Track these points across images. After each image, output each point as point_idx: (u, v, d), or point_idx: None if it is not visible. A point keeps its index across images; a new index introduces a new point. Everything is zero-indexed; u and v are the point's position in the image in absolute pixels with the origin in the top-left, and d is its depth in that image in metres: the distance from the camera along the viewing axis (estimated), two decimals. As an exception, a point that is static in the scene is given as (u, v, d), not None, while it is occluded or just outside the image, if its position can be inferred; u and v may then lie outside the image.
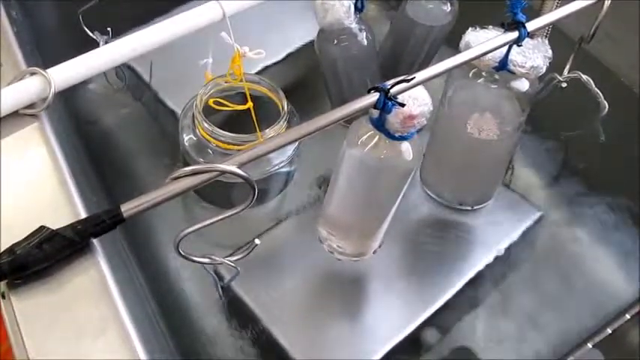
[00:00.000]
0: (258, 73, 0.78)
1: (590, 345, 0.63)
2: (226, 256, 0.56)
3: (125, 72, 0.79)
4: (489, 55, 0.59)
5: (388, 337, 0.63)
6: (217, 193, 0.69)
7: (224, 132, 0.64)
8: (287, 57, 0.84)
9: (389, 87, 0.50)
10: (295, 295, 0.65)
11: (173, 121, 0.71)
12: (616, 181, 0.78)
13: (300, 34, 0.85)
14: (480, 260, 0.69)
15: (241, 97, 0.67)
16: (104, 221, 0.45)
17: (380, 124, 0.54)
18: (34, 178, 0.51)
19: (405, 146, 0.56)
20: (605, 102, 0.66)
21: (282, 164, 0.68)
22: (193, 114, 0.66)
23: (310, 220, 0.68)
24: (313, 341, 0.62)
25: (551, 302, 0.68)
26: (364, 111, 0.52)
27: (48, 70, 0.56)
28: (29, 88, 0.55)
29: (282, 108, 0.68)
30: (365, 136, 0.56)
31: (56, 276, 0.45)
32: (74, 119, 0.74)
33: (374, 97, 0.50)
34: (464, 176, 0.70)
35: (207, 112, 0.66)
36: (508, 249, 0.70)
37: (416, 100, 0.53)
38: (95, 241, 0.47)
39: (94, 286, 0.45)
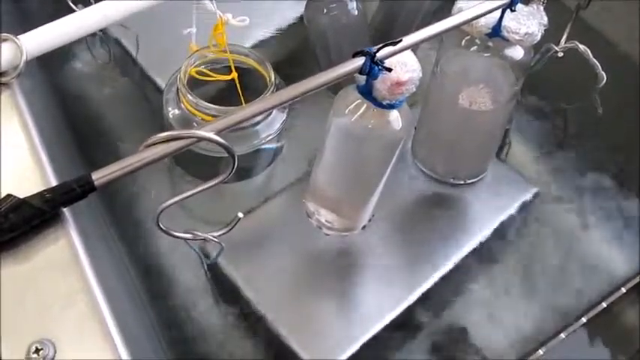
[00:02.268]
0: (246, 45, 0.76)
1: (584, 319, 0.61)
2: (210, 232, 0.54)
3: (110, 45, 0.77)
4: (482, 21, 0.57)
5: (378, 315, 0.61)
6: (205, 168, 0.67)
7: (208, 104, 0.62)
8: (276, 30, 0.82)
9: (375, 51, 0.48)
10: (282, 272, 0.63)
11: (159, 95, 0.69)
12: (614, 155, 0.76)
13: (290, 5, 0.83)
14: (473, 236, 0.67)
15: (227, 71, 0.65)
16: (74, 190, 0.43)
17: (367, 92, 0.52)
18: (3, 146, 0.49)
19: (394, 115, 0.54)
20: (603, 73, 0.64)
21: (270, 138, 0.67)
22: (177, 87, 0.65)
23: (298, 195, 0.66)
24: (301, 318, 0.61)
25: (547, 279, 0.66)
26: (350, 78, 0.50)
27: (19, 37, 0.54)
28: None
29: (270, 80, 0.66)
30: (352, 105, 0.54)
31: (24, 247, 0.43)
32: (57, 92, 0.72)
33: (359, 61, 0.48)
34: (456, 149, 0.68)
35: (192, 85, 0.64)
36: (503, 225, 0.69)
37: (404, 65, 0.51)
38: (66, 211, 0.45)
39: (63, 257, 0.43)
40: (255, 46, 0.79)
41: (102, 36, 0.78)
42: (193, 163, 0.68)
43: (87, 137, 0.71)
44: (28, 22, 0.58)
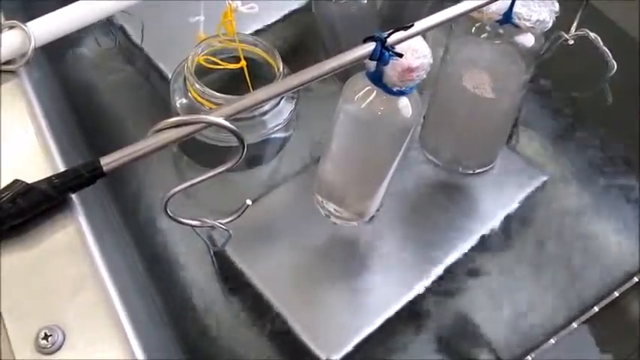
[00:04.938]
0: (253, 34, 0.76)
1: (596, 309, 0.61)
2: (218, 220, 0.54)
3: (116, 33, 0.76)
4: (493, 7, 0.57)
5: (386, 304, 0.61)
6: (214, 158, 0.66)
7: (216, 93, 0.62)
8: (284, 18, 0.81)
9: (386, 36, 0.48)
10: (290, 260, 0.63)
11: (165, 84, 0.69)
12: (625, 144, 0.75)
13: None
14: (482, 225, 0.67)
15: (235, 60, 0.65)
16: (82, 175, 0.43)
17: (377, 78, 0.52)
18: (11, 133, 0.49)
19: (404, 102, 0.53)
20: (614, 61, 0.64)
21: (278, 128, 0.66)
22: (185, 76, 0.64)
23: (306, 183, 0.66)
24: (308, 306, 0.60)
25: (557, 268, 0.66)
26: (360, 64, 0.50)
27: (28, 24, 0.53)
28: (7, 42, 0.53)
29: (278, 69, 0.65)
30: (362, 92, 0.54)
31: (32, 232, 0.43)
32: (62, 82, 0.71)
33: (370, 46, 0.48)
34: (465, 138, 0.68)
35: (200, 75, 0.64)
36: (512, 214, 0.68)
37: (415, 51, 0.50)
38: (75, 196, 0.45)
39: (72, 243, 0.43)
40: (261, 34, 0.78)
41: (107, 24, 0.77)
42: (202, 154, 0.68)
43: (94, 125, 0.71)
44: (35, 9, 0.57)
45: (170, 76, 0.68)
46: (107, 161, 0.43)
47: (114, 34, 0.77)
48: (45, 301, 0.41)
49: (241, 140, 0.45)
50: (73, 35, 0.59)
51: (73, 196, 0.45)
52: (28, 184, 0.43)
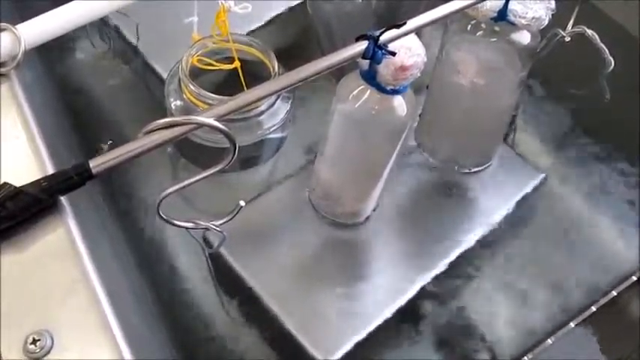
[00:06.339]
0: (248, 34, 0.75)
1: (594, 308, 0.60)
2: (215, 221, 0.53)
3: (110, 34, 0.76)
4: (488, 5, 0.57)
5: (384, 304, 0.60)
6: (212, 160, 0.66)
7: (211, 94, 0.62)
8: (278, 18, 0.80)
9: (378, 34, 0.47)
10: (286, 261, 0.62)
11: (160, 85, 0.68)
12: (623, 142, 0.75)
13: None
14: (480, 224, 0.66)
15: (230, 61, 0.64)
16: (71, 177, 0.43)
17: (371, 77, 0.51)
18: (1, 137, 0.49)
19: (398, 101, 0.53)
20: (611, 58, 0.63)
21: (274, 128, 0.66)
22: (179, 78, 0.64)
23: (302, 184, 0.66)
24: (305, 307, 0.60)
25: (554, 267, 0.65)
26: (353, 62, 0.49)
27: (18, 26, 0.53)
28: (-3, 45, 0.52)
29: (273, 69, 0.65)
30: (356, 91, 0.53)
31: (22, 235, 0.43)
32: (56, 82, 0.71)
33: (362, 45, 0.47)
34: (462, 136, 0.67)
35: (195, 77, 0.63)
36: (509, 213, 0.67)
37: (408, 50, 0.50)
38: (65, 199, 0.45)
39: (61, 247, 0.43)
40: (256, 34, 0.77)
41: (101, 25, 0.77)
42: (199, 155, 0.67)
43: (88, 128, 0.70)
44: (27, 11, 0.57)
45: (165, 77, 0.67)
46: (96, 163, 0.43)
47: (108, 35, 0.76)
48: (34, 306, 0.41)
49: (232, 141, 0.45)
50: (66, 36, 0.59)
51: (63, 198, 0.45)
52: (16, 187, 0.42)
